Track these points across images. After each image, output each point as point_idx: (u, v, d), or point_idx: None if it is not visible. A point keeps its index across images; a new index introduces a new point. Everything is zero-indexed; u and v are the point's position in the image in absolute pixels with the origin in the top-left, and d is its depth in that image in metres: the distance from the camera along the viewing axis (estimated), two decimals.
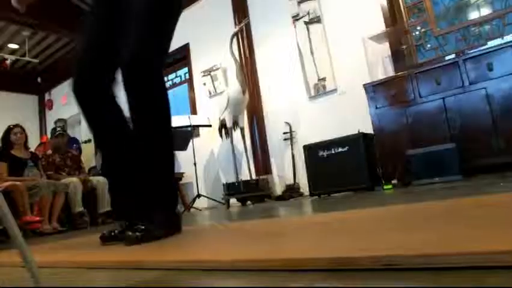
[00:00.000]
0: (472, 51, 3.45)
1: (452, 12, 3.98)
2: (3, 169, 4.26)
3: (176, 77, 6.58)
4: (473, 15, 3.87)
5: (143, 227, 1.24)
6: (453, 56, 3.75)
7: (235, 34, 4.65)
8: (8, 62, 7.40)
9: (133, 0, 1.40)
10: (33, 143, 6.34)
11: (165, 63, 1.49)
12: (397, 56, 4.10)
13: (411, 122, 3.48)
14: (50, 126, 7.20)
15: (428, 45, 4.12)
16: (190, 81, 6.04)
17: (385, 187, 3.38)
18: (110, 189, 1.58)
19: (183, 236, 1.33)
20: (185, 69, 6.23)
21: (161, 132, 1.43)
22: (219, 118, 4.81)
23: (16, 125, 4.56)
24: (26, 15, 6.21)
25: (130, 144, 1.45)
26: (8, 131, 4.49)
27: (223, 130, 4.85)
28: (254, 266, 0.63)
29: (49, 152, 5.09)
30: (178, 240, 1.24)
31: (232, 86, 4.64)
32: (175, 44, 5.63)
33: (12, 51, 7.46)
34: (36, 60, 7.75)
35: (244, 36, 5.13)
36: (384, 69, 4.11)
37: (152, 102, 1.41)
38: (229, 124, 4.66)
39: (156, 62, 1.42)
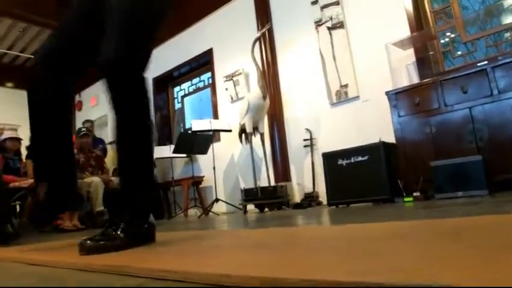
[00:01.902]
0: (502, 57, 3.27)
1: (483, 17, 3.81)
2: (31, 167, 4.41)
3: (200, 81, 6.64)
4: (506, 19, 3.69)
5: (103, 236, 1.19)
6: (485, 63, 3.58)
7: (258, 39, 4.63)
8: None
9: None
10: None
11: (147, 64, 1.39)
12: (422, 63, 3.96)
13: (436, 131, 3.34)
14: (78, 126, 7.40)
15: (458, 52, 3.96)
16: (213, 85, 6.07)
17: (406, 199, 3.24)
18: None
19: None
20: (209, 74, 6.27)
21: (137, 138, 1.37)
22: (239, 123, 4.79)
23: None
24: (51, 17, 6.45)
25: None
26: None
27: (243, 135, 4.83)
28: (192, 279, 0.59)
29: (74, 151, 5.21)
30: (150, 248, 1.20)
31: (253, 91, 4.62)
32: (199, 49, 5.73)
33: None
34: None
35: (266, 41, 5.10)
36: (408, 77, 3.98)
37: (131, 105, 1.36)
38: (249, 129, 4.63)
39: (137, 62, 1.36)
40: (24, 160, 4.47)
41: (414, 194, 3.29)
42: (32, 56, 7.69)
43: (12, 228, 2.79)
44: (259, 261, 0.75)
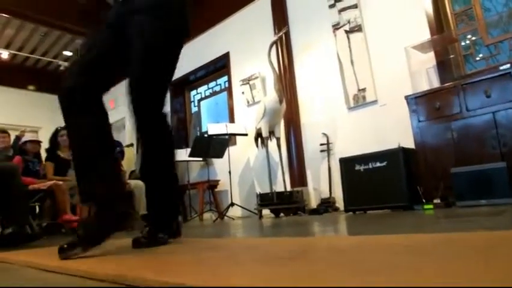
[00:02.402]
0: None
1: (506, 18, 3.70)
2: (50, 169, 4.48)
3: (216, 85, 6.65)
4: None
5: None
6: (508, 66, 3.46)
7: (274, 43, 4.61)
8: (62, 68, 7.86)
9: (133, 35, 1.47)
10: None
11: (164, 100, 1.60)
12: (443, 67, 3.86)
13: (457, 137, 3.24)
14: None
15: (480, 55, 3.85)
16: (229, 89, 6.07)
17: (425, 207, 3.16)
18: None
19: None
20: (225, 78, 6.27)
21: (160, 169, 1.61)
22: (255, 127, 4.77)
23: (63, 128, 4.78)
24: (80, 25, 6.58)
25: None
26: (56, 133, 4.72)
27: (259, 139, 4.80)
28: None
29: None
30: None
31: (270, 95, 4.59)
32: (215, 53, 5.75)
33: (67, 59, 7.91)
34: None
35: (283, 45, 5.07)
36: (428, 81, 3.89)
37: (151, 143, 1.57)
38: (265, 134, 4.60)
39: (153, 102, 1.54)
40: (43, 162, 4.54)
41: (435, 201, 3.20)
42: (54, 60, 7.86)
43: (30, 230, 2.83)
44: (273, 275, 0.72)
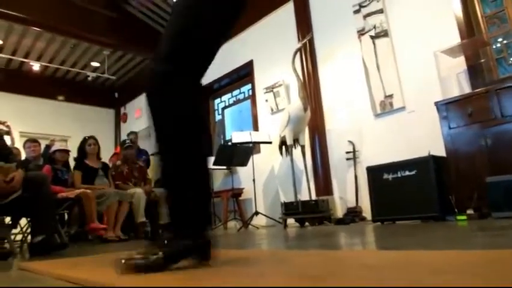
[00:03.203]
0: None
1: None
2: (78, 177, 4.57)
3: (240, 93, 6.66)
4: None
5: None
6: None
7: (298, 50, 4.57)
8: (90, 78, 8.08)
9: None
10: (108, 153, 6.79)
11: (199, 70, 1.29)
12: (474, 71, 3.72)
13: (491, 144, 3.09)
14: (123, 137, 7.67)
15: (511, 58, 3.70)
16: (253, 97, 6.06)
17: (458, 218, 3.02)
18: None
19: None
20: (249, 86, 6.28)
21: (171, 148, 1.20)
22: (280, 135, 4.73)
23: (91, 137, 4.88)
24: (107, 36, 6.75)
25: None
26: (84, 142, 4.83)
27: (283, 147, 4.76)
28: None
29: (118, 162, 5.37)
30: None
31: (294, 103, 4.55)
32: (239, 61, 5.78)
33: (94, 69, 8.12)
34: (114, 77, 8.37)
35: (307, 52, 5.03)
36: (459, 86, 3.75)
37: (160, 114, 1.20)
38: (289, 141, 4.55)
39: (182, 53, 1.20)
40: (72, 171, 4.64)
41: (468, 211, 3.06)
42: (82, 71, 8.07)
43: (59, 238, 2.88)
44: None
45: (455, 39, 3.74)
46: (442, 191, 3.24)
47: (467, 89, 3.65)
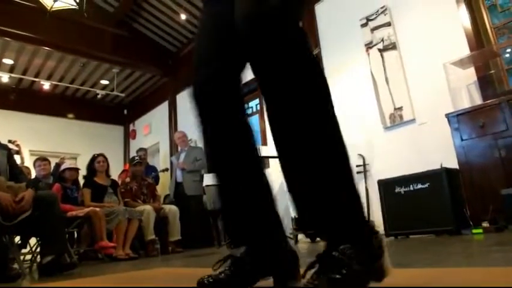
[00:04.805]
0: None
1: None
2: (87, 195, 4.58)
3: (248, 108, 6.67)
4: None
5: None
6: None
7: None
8: (99, 96, 8.18)
9: None
10: (118, 170, 6.81)
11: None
12: (485, 82, 3.68)
13: (505, 155, 3.03)
14: (132, 154, 7.69)
15: None
16: (261, 112, 6.06)
17: (474, 231, 2.95)
18: (224, 212, 1.18)
19: None
20: (257, 101, 6.28)
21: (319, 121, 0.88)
22: None
23: (100, 154, 4.90)
24: (116, 54, 6.85)
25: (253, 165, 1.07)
26: (93, 159, 4.85)
27: None
28: None
29: (128, 179, 5.37)
30: None
31: None
32: (246, 76, 5.74)
33: (104, 87, 8.22)
34: (123, 94, 8.46)
35: None
36: (469, 97, 3.71)
37: (295, 83, 0.85)
38: None
39: (285, 9, 0.85)
40: (81, 189, 4.65)
41: (484, 224, 2.99)
42: (92, 89, 8.17)
43: (69, 258, 2.86)
44: None
45: (464, 50, 3.71)
46: (456, 204, 3.17)
47: (478, 100, 3.60)
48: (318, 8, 5.24)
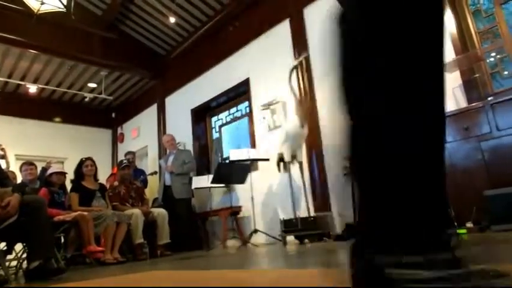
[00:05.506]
0: None
1: None
2: (75, 199, 4.53)
3: (237, 111, 6.69)
4: None
5: None
6: None
7: (294, 68, 4.62)
8: (87, 99, 8.11)
9: None
10: (106, 174, 6.76)
11: None
12: (470, 86, 3.75)
13: (488, 158, 3.10)
14: (121, 157, 7.64)
15: (505, 72, 3.74)
16: (250, 115, 6.08)
17: (458, 231, 3.01)
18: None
19: None
20: (246, 103, 6.30)
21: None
22: (278, 152, 4.73)
23: (88, 158, 4.86)
24: (104, 57, 6.81)
25: None
26: (81, 163, 4.80)
27: (281, 164, 4.75)
28: None
29: (116, 183, 5.33)
30: None
31: (291, 120, 4.57)
32: (236, 79, 5.79)
33: (91, 90, 8.15)
34: (110, 98, 8.40)
35: (303, 70, 5.07)
36: (455, 101, 3.78)
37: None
38: (287, 158, 4.55)
39: None
40: (68, 193, 4.60)
41: (467, 225, 3.05)
42: (79, 92, 8.09)
43: (56, 263, 2.84)
44: None
45: (450, 54, 3.79)
46: None
47: (463, 104, 3.67)
48: (307, 12, 5.29)
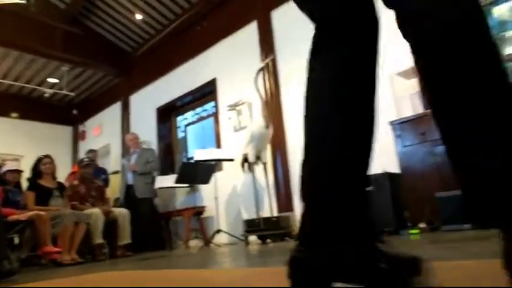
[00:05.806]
0: None
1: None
2: (31, 198, 4.36)
3: (203, 110, 6.67)
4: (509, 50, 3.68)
5: None
6: None
7: (261, 70, 4.66)
8: (46, 95, 7.81)
9: None
10: (65, 172, 6.54)
11: None
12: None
13: (442, 161, 3.27)
14: (82, 155, 7.42)
15: None
16: (216, 115, 6.08)
17: (411, 231, 3.15)
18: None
19: None
20: (213, 104, 6.30)
21: None
22: (242, 153, 4.76)
23: (46, 156, 4.70)
24: (66, 52, 6.59)
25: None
26: (39, 161, 4.63)
27: (245, 164, 4.78)
28: None
29: (76, 182, 5.18)
30: None
31: (257, 121, 4.61)
32: (202, 79, 5.76)
33: (52, 85, 7.86)
34: (72, 94, 8.13)
35: (270, 72, 5.14)
36: (412, 106, 3.95)
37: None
38: (252, 159, 4.59)
39: None
40: (24, 192, 4.43)
41: (420, 225, 3.20)
42: (38, 87, 7.79)
43: (9, 264, 2.73)
44: None
45: (408, 62, 3.94)
46: (397, 206, 3.37)
47: (420, 109, 3.84)
48: (274, 14, 5.36)
